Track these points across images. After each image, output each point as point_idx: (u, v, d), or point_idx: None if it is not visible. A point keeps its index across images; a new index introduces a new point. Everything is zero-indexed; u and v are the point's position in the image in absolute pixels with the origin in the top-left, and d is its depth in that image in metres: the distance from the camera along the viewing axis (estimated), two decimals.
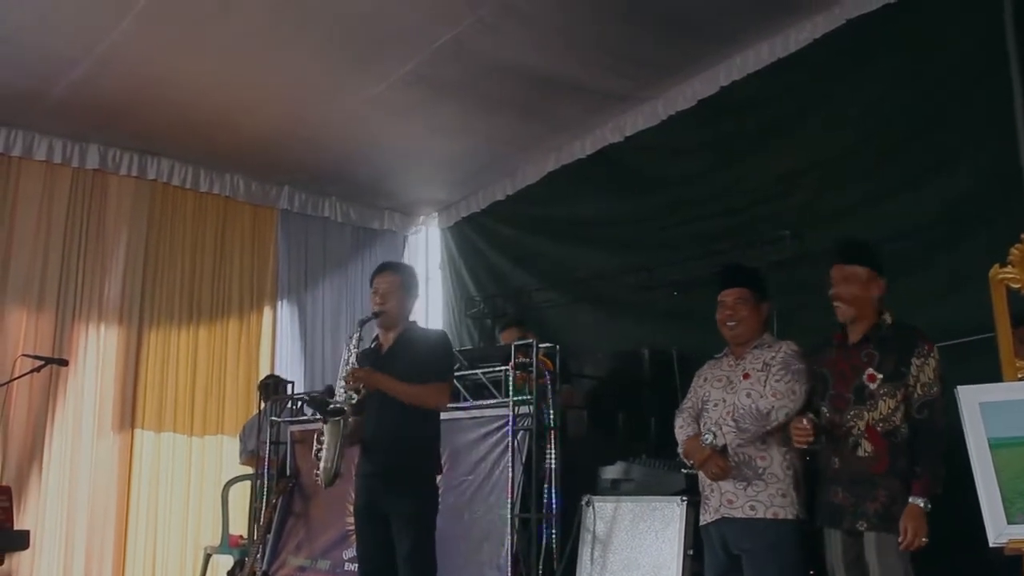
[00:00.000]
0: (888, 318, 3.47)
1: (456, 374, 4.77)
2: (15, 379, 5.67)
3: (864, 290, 3.47)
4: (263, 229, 8.19)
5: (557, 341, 5.34)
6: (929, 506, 3.13)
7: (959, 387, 2.71)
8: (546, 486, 4.83)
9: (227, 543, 6.69)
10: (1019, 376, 2.90)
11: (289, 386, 7.00)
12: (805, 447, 3.38)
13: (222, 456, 7.52)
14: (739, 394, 3.66)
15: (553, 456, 4.85)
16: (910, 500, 3.16)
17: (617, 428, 5.68)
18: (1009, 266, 3.05)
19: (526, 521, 4.83)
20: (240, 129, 7.02)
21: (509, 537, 4.81)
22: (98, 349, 7.11)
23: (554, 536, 4.77)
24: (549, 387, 4.97)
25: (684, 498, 4.26)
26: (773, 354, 3.68)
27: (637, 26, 5.75)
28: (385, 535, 3.88)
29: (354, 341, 4.06)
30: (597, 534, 4.63)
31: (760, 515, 3.50)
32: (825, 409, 3.47)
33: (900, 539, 3.13)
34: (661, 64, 6.25)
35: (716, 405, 3.72)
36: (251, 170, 7.91)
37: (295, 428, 6.59)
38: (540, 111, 6.85)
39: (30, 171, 7.00)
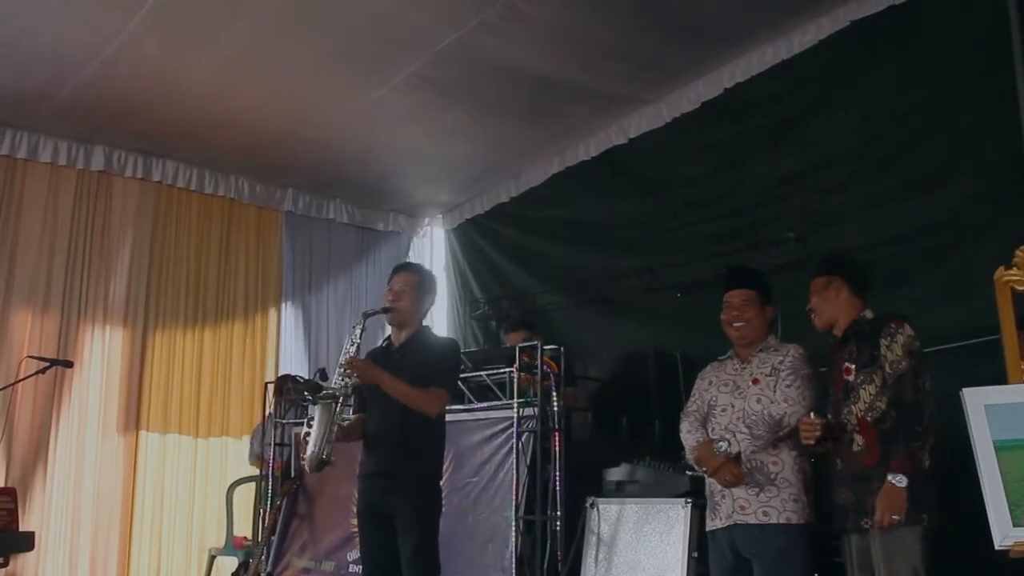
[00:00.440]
0: (868, 314, 3.51)
1: (460, 376, 4.77)
2: (20, 381, 5.69)
3: (824, 299, 3.58)
4: (268, 231, 8.20)
5: (561, 343, 5.34)
6: (904, 481, 3.12)
7: (964, 389, 2.70)
8: (551, 488, 4.83)
9: (231, 545, 6.70)
10: None
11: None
12: (812, 443, 3.38)
13: (227, 458, 7.52)
14: (749, 400, 3.65)
15: (558, 458, 4.84)
16: (887, 478, 3.16)
17: (621, 430, 5.68)
18: (1015, 268, 3.04)
19: (531, 523, 4.84)
20: (245, 131, 7.03)
21: (514, 539, 4.81)
22: (103, 351, 7.12)
23: (559, 538, 4.76)
24: (553, 389, 4.97)
25: (688, 500, 4.26)
26: (781, 358, 3.68)
27: (641, 28, 5.75)
28: (389, 537, 3.87)
29: (357, 331, 4.04)
30: (602, 536, 4.63)
31: (774, 520, 3.50)
32: (829, 416, 3.48)
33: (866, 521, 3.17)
34: (665, 66, 6.25)
35: (725, 410, 3.71)
36: (256, 172, 7.92)
37: (299, 430, 6.58)
38: (544, 113, 6.85)
39: (35, 173, 7.01)
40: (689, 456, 3.83)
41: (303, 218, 8.39)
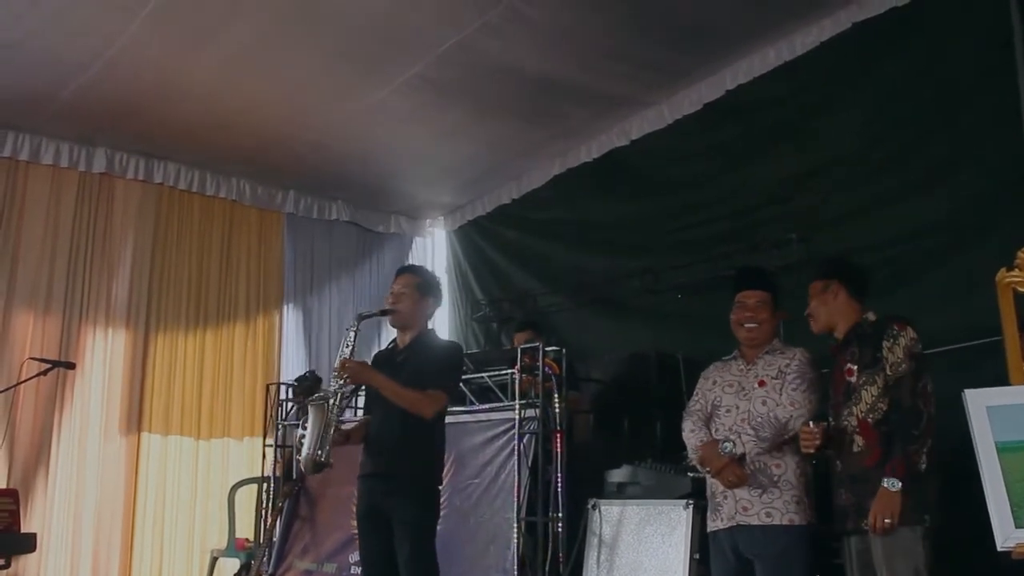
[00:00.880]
0: (871, 316, 3.51)
1: (462, 378, 4.77)
2: (22, 382, 5.70)
3: (822, 303, 3.58)
4: (269, 233, 8.20)
5: (563, 345, 5.34)
6: (898, 485, 3.11)
7: (966, 391, 2.70)
8: (552, 489, 4.83)
9: (233, 546, 6.70)
10: None
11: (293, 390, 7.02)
12: (812, 452, 3.38)
13: (228, 459, 7.53)
14: (754, 401, 3.65)
15: (559, 459, 4.84)
16: (883, 482, 3.15)
17: (623, 431, 5.67)
18: (1016, 270, 3.05)
19: (532, 525, 4.84)
20: (246, 133, 7.03)
21: (515, 540, 4.81)
22: (105, 352, 7.12)
23: (560, 540, 4.76)
24: (555, 390, 4.97)
25: (690, 502, 4.26)
26: (787, 361, 3.68)
27: (642, 30, 5.75)
28: (387, 539, 3.87)
29: (351, 334, 4.02)
30: (603, 538, 4.63)
31: (776, 521, 3.50)
32: (830, 418, 3.49)
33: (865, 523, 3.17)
34: (667, 68, 6.26)
35: (729, 411, 3.70)
36: (257, 174, 7.92)
37: (300, 431, 6.60)
38: (545, 115, 6.86)
39: (37, 175, 7.02)
40: (692, 456, 3.82)
41: (304, 220, 8.40)
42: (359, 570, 5.40)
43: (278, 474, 6.65)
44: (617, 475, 4.77)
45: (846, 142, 5.61)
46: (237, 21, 5.51)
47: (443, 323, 8.74)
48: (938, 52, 5.18)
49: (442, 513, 4.14)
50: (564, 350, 5.15)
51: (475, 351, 7.29)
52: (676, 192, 6.71)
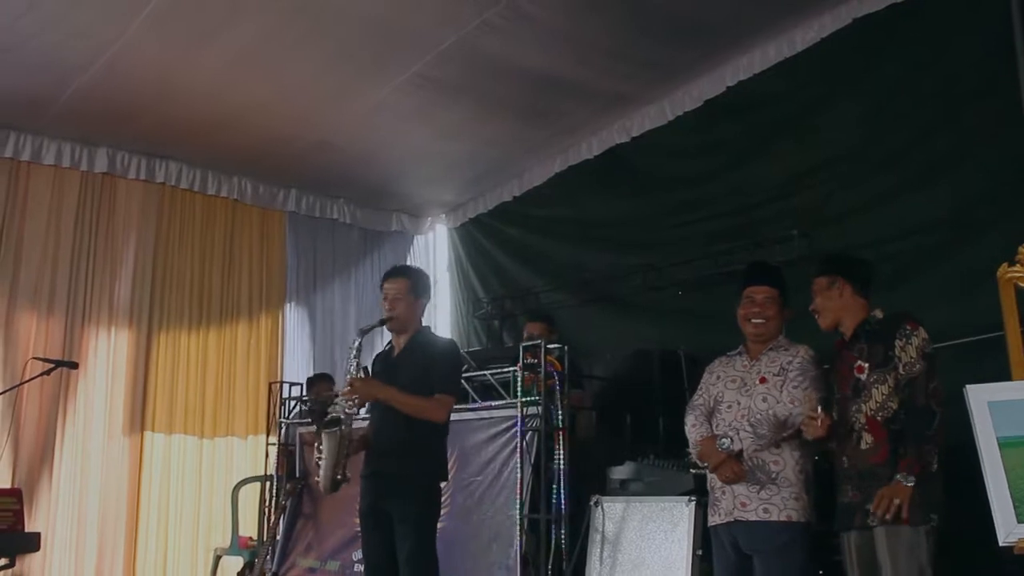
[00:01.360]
0: (879, 313, 3.50)
1: (464, 375, 4.78)
2: (26, 382, 5.71)
3: (828, 299, 3.57)
4: (271, 232, 8.21)
5: (565, 341, 5.34)
6: (912, 481, 3.10)
7: (968, 386, 2.71)
8: (555, 486, 4.84)
9: (237, 544, 6.72)
10: None
11: (296, 388, 7.03)
12: (812, 439, 3.38)
13: (232, 458, 7.54)
14: (755, 398, 3.65)
15: (562, 456, 4.85)
16: (895, 477, 3.15)
17: (625, 428, 5.67)
18: (1018, 265, 3.06)
19: (535, 521, 4.84)
20: (248, 132, 7.04)
21: (518, 537, 4.82)
22: (108, 352, 7.14)
23: (563, 536, 4.77)
24: (557, 387, 4.97)
25: (693, 498, 4.27)
26: (790, 359, 3.68)
27: (643, 27, 5.74)
28: (389, 537, 3.90)
29: (354, 350, 4.05)
30: (606, 534, 4.64)
31: (774, 518, 3.50)
32: (835, 414, 3.48)
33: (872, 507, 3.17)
34: (667, 65, 6.25)
35: (730, 407, 3.71)
36: (259, 173, 7.93)
37: (304, 430, 6.62)
38: (546, 112, 6.86)
39: (39, 175, 7.03)
40: (692, 450, 3.83)
41: (307, 219, 8.41)
42: (362, 568, 5.41)
43: (281, 472, 6.66)
44: (620, 472, 4.78)
45: (847, 138, 5.60)
46: (238, 21, 5.51)
47: (444, 320, 8.77)
48: (939, 47, 5.17)
49: (445, 510, 4.15)
50: (566, 347, 5.15)
51: (477, 348, 7.29)
52: (677, 188, 6.70)
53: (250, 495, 6.99)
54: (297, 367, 7.98)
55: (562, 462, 4.84)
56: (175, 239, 7.61)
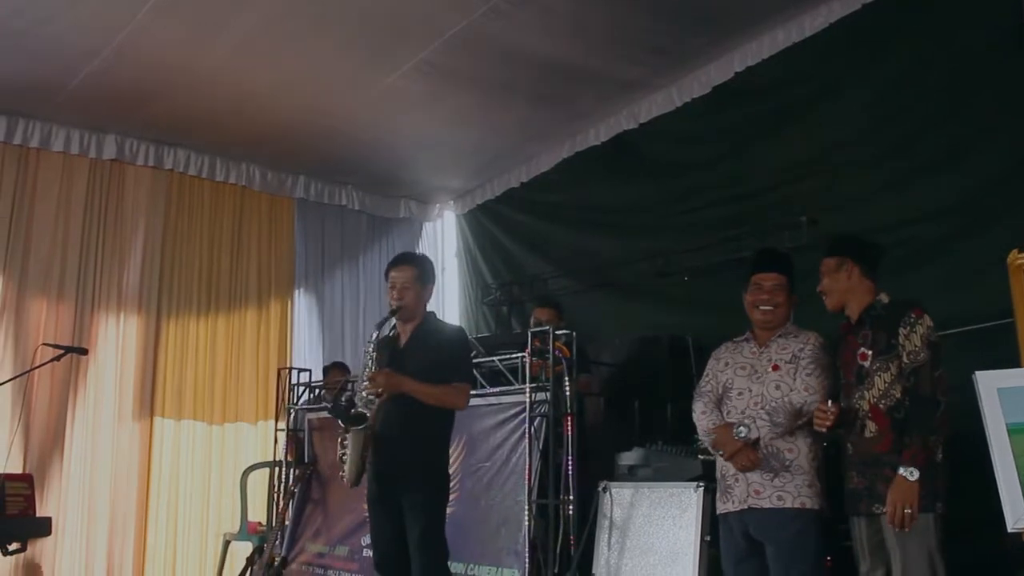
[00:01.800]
0: (884, 298, 3.49)
1: (473, 361, 4.79)
2: (36, 368, 5.76)
3: (836, 280, 3.56)
4: (280, 218, 8.23)
5: (572, 327, 5.34)
6: (916, 475, 3.11)
7: (977, 373, 2.70)
8: (563, 472, 4.85)
9: (246, 530, 6.75)
10: None
11: (305, 374, 7.06)
12: (823, 431, 3.39)
13: (241, 443, 7.58)
14: (768, 385, 3.64)
15: (570, 442, 4.86)
16: (899, 471, 3.15)
17: (633, 414, 5.69)
18: None
19: (544, 507, 4.86)
20: (256, 119, 7.04)
21: (526, 523, 4.84)
22: (117, 338, 7.16)
23: (571, 522, 4.79)
24: (565, 373, 4.99)
25: (701, 484, 4.28)
26: (801, 346, 3.66)
27: (651, 12, 5.73)
28: (398, 522, 3.92)
29: (371, 345, 4.07)
30: (614, 520, 4.65)
31: (788, 505, 3.50)
32: (841, 401, 3.48)
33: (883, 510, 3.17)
34: (676, 51, 6.23)
35: (741, 394, 3.69)
36: (267, 159, 7.95)
37: (313, 416, 6.65)
38: (554, 98, 6.84)
39: (48, 162, 7.05)
40: (704, 438, 3.82)
41: (315, 205, 8.42)
42: (370, 553, 5.44)
43: (290, 458, 6.69)
44: (628, 458, 4.79)
45: (856, 124, 5.59)
46: (246, 7, 5.51)
47: (453, 307, 8.78)
48: (949, 33, 5.15)
49: (454, 496, 4.18)
50: (574, 333, 5.15)
51: (486, 335, 7.31)
52: (685, 175, 6.69)
53: (259, 481, 7.03)
54: (306, 353, 8.01)
55: (570, 448, 4.86)
56: (184, 226, 7.63)
